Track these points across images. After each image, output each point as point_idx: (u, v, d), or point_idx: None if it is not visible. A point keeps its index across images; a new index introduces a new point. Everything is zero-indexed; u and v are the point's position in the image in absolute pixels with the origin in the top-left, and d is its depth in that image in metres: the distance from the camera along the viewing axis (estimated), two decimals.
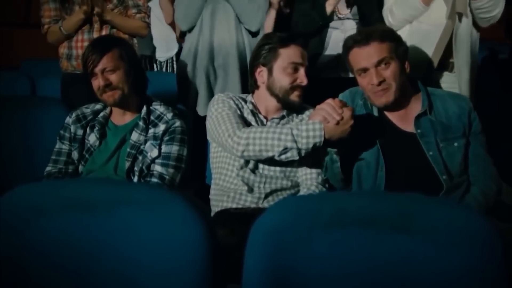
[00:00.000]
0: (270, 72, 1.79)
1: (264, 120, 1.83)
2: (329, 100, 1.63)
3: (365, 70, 1.67)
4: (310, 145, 1.61)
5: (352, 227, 1.01)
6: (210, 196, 1.84)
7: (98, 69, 1.75)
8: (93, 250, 1.00)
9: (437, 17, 2.07)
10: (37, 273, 1.01)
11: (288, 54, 1.77)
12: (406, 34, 2.09)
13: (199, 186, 2.06)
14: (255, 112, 1.82)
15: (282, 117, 1.82)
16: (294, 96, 1.79)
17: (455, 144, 1.69)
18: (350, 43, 1.72)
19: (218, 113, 1.76)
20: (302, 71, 1.78)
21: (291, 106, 1.82)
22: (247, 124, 1.78)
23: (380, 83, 1.65)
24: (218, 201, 1.78)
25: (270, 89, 1.80)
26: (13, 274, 1.01)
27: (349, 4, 2.30)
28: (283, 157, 1.64)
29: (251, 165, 1.76)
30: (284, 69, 1.77)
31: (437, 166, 1.65)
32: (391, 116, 1.74)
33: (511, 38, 3.23)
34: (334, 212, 1.02)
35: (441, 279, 0.98)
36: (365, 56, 1.67)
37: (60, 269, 1.00)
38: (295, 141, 1.61)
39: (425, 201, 1.03)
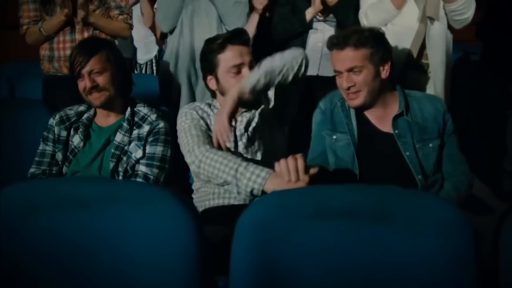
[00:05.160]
0: (217, 79, 1.81)
1: (233, 121, 1.79)
2: (299, 161, 1.45)
3: (338, 72, 1.73)
4: (248, 189, 1.52)
5: (334, 219, 1.06)
6: (196, 194, 1.85)
7: (85, 71, 1.76)
8: (87, 246, 1.02)
9: (410, 20, 2.15)
10: (32, 269, 1.03)
11: (226, 58, 1.77)
12: None
13: (183, 186, 2.09)
14: None
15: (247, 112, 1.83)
16: None
17: (430, 145, 1.74)
18: (329, 45, 1.76)
19: (182, 127, 1.75)
20: (245, 70, 1.76)
21: (249, 103, 1.79)
22: None
23: (349, 88, 1.70)
24: (205, 200, 1.79)
25: (223, 94, 1.79)
26: (9, 271, 1.03)
27: (325, 10, 2.37)
28: (226, 187, 1.59)
29: None
30: (227, 73, 1.77)
31: (413, 166, 1.70)
32: (369, 115, 1.79)
33: (481, 39, 3.33)
34: (317, 205, 1.07)
35: (418, 266, 1.04)
36: (339, 60, 1.72)
37: (55, 265, 1.03)
38: (236, 178, 1.54)
39: (402, 193, 1.09)
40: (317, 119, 1.85)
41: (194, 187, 1.87)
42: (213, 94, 1.89)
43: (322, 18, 2.43)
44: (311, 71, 2.39)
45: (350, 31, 1.75)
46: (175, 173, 1.97)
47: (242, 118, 1.83)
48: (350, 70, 1.70)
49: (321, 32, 2.43)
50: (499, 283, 1.11)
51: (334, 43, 1.73)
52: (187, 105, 1.87)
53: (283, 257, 1.07)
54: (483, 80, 3.35)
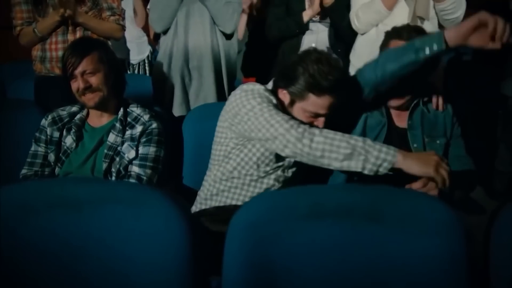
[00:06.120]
0: (292, 102, 1.63)
1: None
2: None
3: None
4: (379, 161, 1.43)
5: (328, 219, 1.07)
6: (215, 190, 1.72)
7: (78, 72, 1.76)
8: (80, 246, 1.02)
9: (401, 19, 2.15)
10: (27, 269, 1.03)
11: (316, 103, 1.58)
12: (373, 36, 2.18)
13: (175, 186, 2.09)
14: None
15: None
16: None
17: (438, 141, 1.76)
18: (403, 37, 1.70)
19: (262, 107, 1.56)
20: (322, 119, 1.62)
21: None
22: None
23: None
24: (234, 194, 1.68)
25: (287, 111, 1.64)
26: (4, 271, 1.03)
27: (322, 11, 2.39)
28: (345, 164, 1.46)
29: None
30: (305, 111, 1.61)
31: None
32: (392, 111, 1.79)
33: None
34: (310, 205, 1.08)
35: (411, 265, 1.05)
36: None
37: (49, 265, 1.03)
38: (365, 149, 1.44)
39: (395, 193, 1.10)
40: None
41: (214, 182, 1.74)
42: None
43: (317, 19, 2.45)
44: None
45: (413, 31, 1.71)
46: (168, 172, 1.98)
47: None
48: None
49: (315, 33, 2.46)
50: (490, 282, 1.12)
51: (404, 39, 1.68)
52: (251, 84, 1.65)
53: (276, 257, 1.07)
54: (475, 80, 3.37)
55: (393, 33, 1.77)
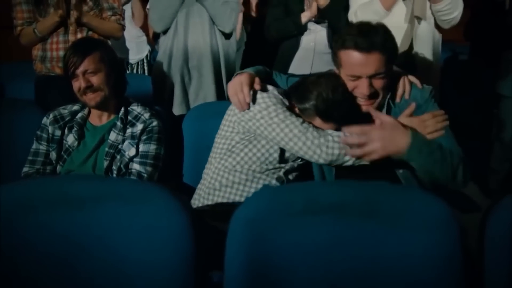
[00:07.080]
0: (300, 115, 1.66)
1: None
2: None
3: (356, 77, 1.56)
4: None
5: (323, 215, 1.09)
6: (217, 184, 1.70)
7: (79, 71, 1.77)
8: (82, 243, 1.04)
9: (398, 19, 2.18)
10: (28, 267, 1.04)
11: (321, 125, 1.64)
12: None
13: (176, 184, 2.10)
14: None
15: None
16: None
17: None
18: (350, 44, 1.53)
19: (277, 107, 1.59)
20: None
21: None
22: None
23: (370, 95, 1.56)
24: (238, 190, 1.67)
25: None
26: (5, 269, 1.04)
27: (319, 12, 2.42)
28: (355, 163, 1.55)
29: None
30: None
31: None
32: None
33: (469, 39, 3.39)
34: (307, 201, 1.10)
35: (405, 261, 1.07)
36: (363, 65, 1.53)
37: (50, 263, 1.04)
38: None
39: (390, 189, 1.12)
40: None
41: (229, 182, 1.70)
42: None
43: (315, 19, 2.48)
44: (304, 70, 2.44)
45: (374, 32, 1.54)
46: (169, 171, 1.99)
47: None
48: (373, 76, 1.54)
49: (314, 32, 2.48)
50: (484, 278, 1.14)
51: (358, 44, 1.51)
52: (267, 85, 1.64)
53: (275, 252, 1.09)
54: (471, 80, 3.40)
55: (353, 42, 1.53)
